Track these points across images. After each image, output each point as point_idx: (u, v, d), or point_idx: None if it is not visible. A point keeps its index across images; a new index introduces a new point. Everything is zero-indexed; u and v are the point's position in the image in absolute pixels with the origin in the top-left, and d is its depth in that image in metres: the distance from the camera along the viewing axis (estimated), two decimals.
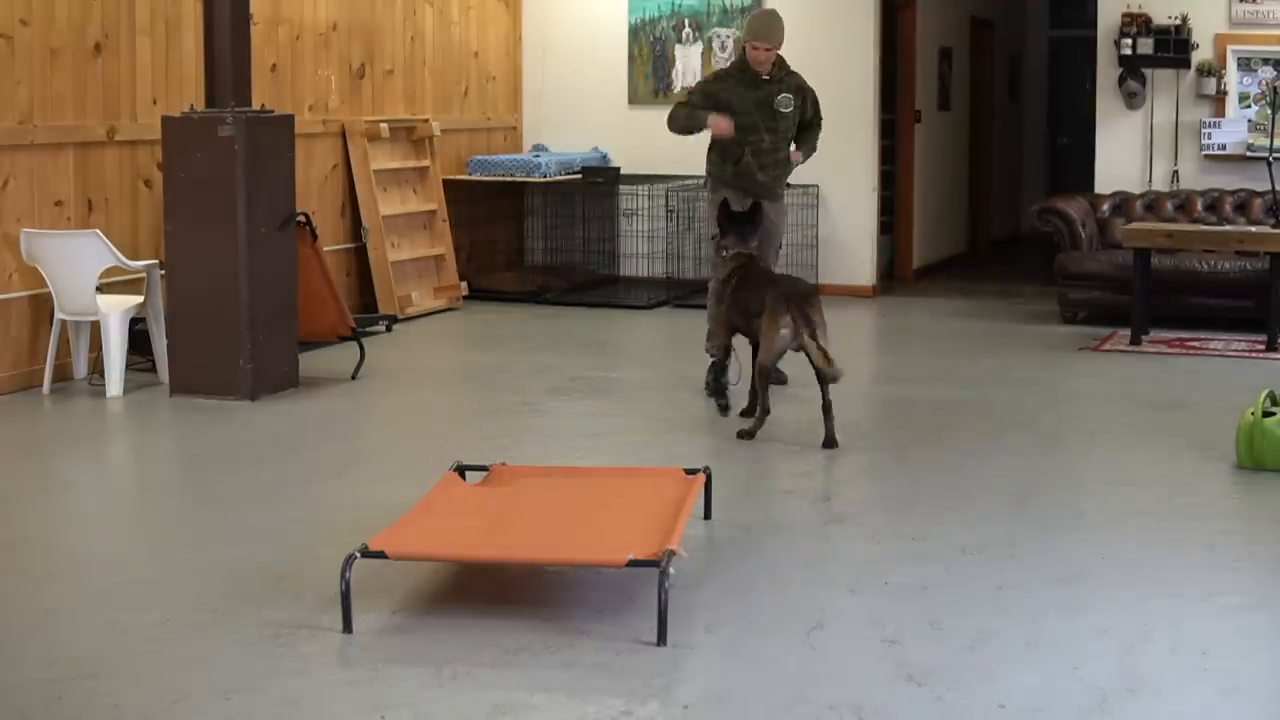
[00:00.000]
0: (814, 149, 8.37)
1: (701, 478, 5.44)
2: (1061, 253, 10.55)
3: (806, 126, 8.27)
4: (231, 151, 7.61)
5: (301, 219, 8.11)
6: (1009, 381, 8.45)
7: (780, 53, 8.04)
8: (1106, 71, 11.32)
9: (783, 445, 6.90)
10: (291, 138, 8.03)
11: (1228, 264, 9.97)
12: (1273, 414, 6.37)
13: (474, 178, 11.68)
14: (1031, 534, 5.46)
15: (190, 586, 4.90)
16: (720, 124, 7.87)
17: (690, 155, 11.81)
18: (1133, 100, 11.20)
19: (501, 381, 8.40)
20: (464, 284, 11.23)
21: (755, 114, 7.97)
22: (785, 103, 7.99)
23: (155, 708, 3.91)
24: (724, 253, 7.46)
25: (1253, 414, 6.36)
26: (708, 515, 5.54)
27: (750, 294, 7.15)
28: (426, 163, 11.13)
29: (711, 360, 7.80)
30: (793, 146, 8.24)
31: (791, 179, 11.53)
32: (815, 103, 8.26)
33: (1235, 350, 9.35)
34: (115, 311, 7.82)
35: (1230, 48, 10.96)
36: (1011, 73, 16.39)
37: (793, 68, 8.17)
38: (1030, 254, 14.54)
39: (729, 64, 8.51)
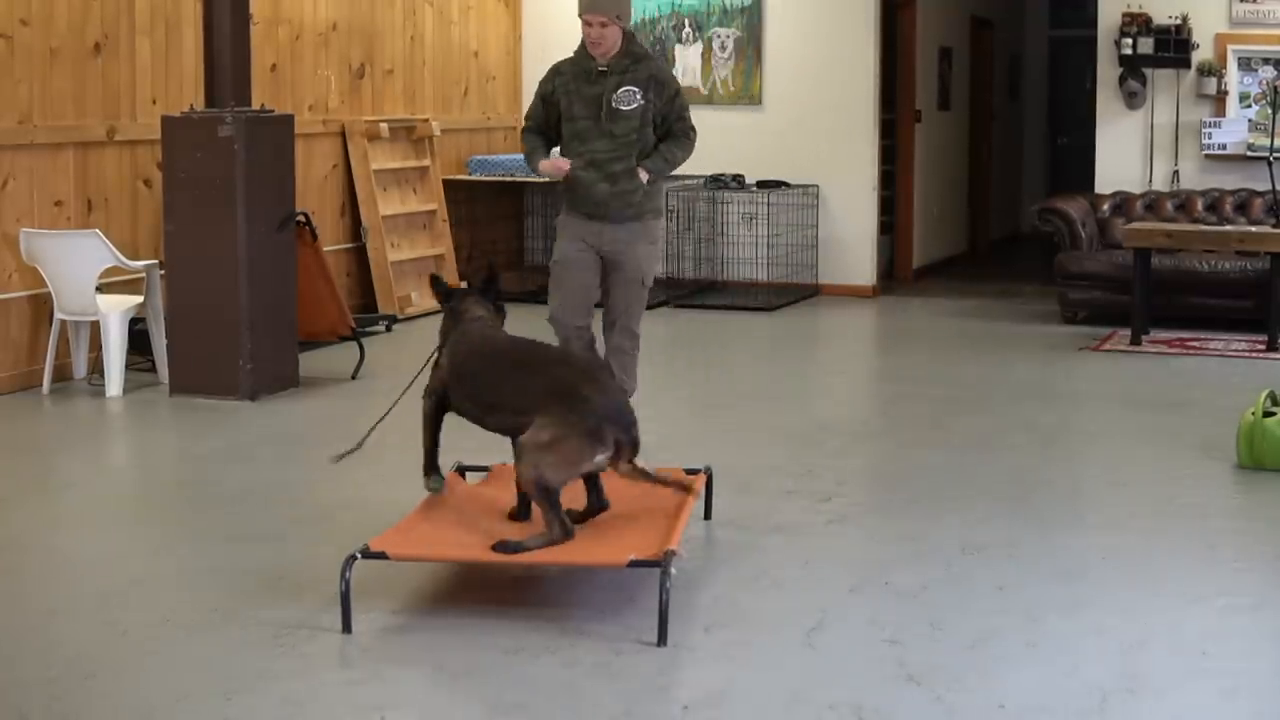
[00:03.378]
0: (670, 163, 6.54)
1: (702, 478, 5.44)
2: (1061, 253, 10.54)
3: (666, 134, 6.55)
4: (231, 151, 7.61)
5: (301, 219, 8.11)
6: (1009, 381, 8.45)
7: (631, 33, 6.57)
8: (1107, 71, 11.32)
9: (783, 445, 6.90)
10: (291, 137, 8.03)
11: (1228, 264, 9.97)
12: (1273, 414, 6.37)
13: (474, 178, 11.68)
14: (1031, 534, 5.45)
15: (190, 586, 4.89)
16: (547, 167, 6.48)
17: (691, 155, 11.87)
18: (1133, 100, 11.20)
19: None
20: (464, 284, 11.22)
21: (590, 116, 6.45)
22: (626, 98, 6.41)
23: (155, 708, 3.91)
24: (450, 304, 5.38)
25: (1253, 414, 6.36)
26: (708, 515, 5.53)
27: (500, 372, 5.00)
28: (426, 163, 11.13)
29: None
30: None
31: (791, 179, 11.74)
32: (674, 98, 6.54)
33: (1235, 350, 9.34)
34: (115, 311, 7.82)
35: (1230, 47, 10.96)
36: (1011, 73, 16.40)
37: (644, 51, 6.62)
38: (1030, 254, 14.54)
39: (574, 53, 6.65)
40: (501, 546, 4.63)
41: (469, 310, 5.27)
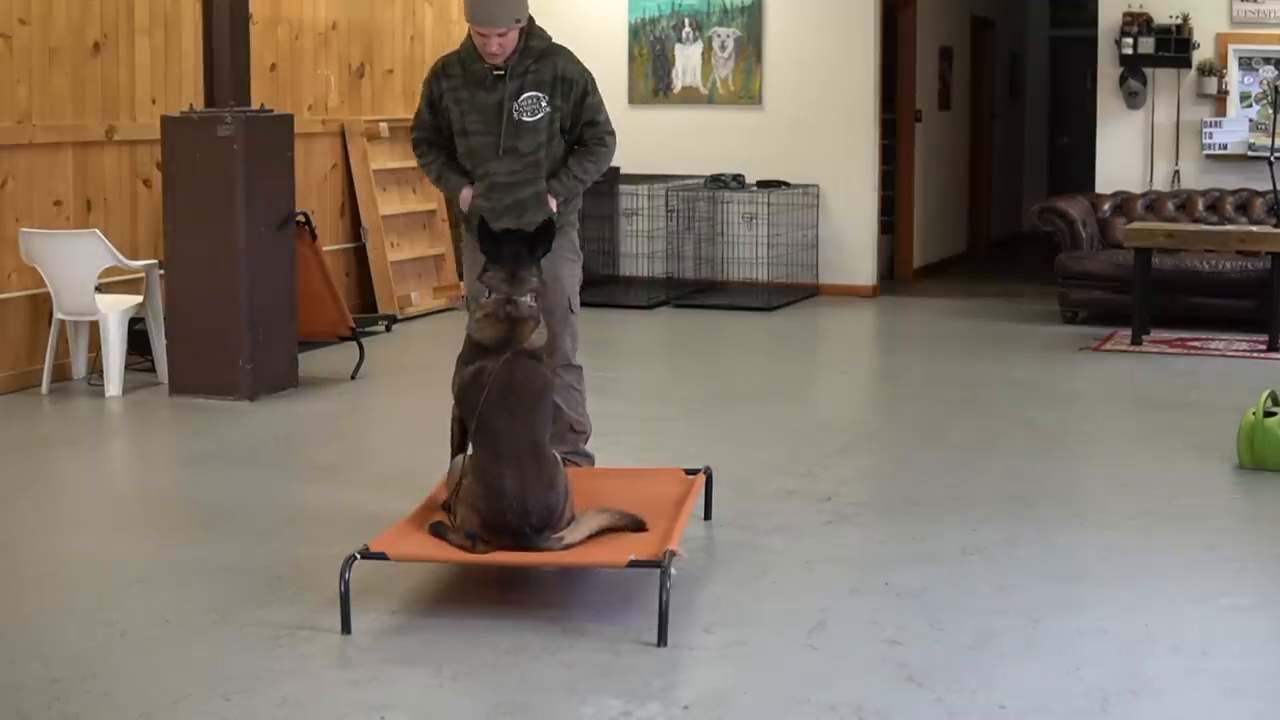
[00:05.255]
0: (581, 181, 5.56)
1: (701, 478, 5.44)
2: (1062, 252, 10.54)
3: (577, 140, 5.57)
4: (231, 151, 7.61)
5: (301, 219, 8.11)
6: (1009, 382, 8.45)
7: (531, 21, 5.43)
8: (1107, 71, 11.31)
9: (783, 445, 6.89)
10: (291, 137, 8.02)
11: (1229, 264, 9.96)
12: (1274, 414, 6.36)
13: None
14: (1032, 534, 5.45)
15: (190, 586, 4.89)
16: (465, 197, 5.58)
17: (691, 155, 11.88)
18: (1134, 100, 11.20)
19: None
20: (463, 284, 11.21)
21: (487, 131, 5.47)
22: (530, 106, 5.42)
23: (155, 708, 3.90)
24: (486, 293, 4.93)
25: (1254, 414, 6.36)
26: (708, 515, 5.53)
27: (486, 409, 4.69)
28: None
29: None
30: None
31: (791, 179, 11.74)
32: (584, 99, 5.52)
33: (1236, 350, 9.34)
34: (114, 311, 7.81)
35: (1231, 47, 10.95)
36: (1011, 72, 16.40)
37: (547, 43, 5.50)
38: (1030, 254, 14.54)
39: (460, 46, 5.57)
40: (431, 526, 4.75)
41: (527, 336, 4.85)
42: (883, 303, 11.68)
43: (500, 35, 5.30)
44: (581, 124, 5.53)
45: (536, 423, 4.75)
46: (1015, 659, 4.25)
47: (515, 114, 5.41)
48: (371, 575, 4.67)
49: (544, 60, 5.44)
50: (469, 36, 5.46)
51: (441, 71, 5.56)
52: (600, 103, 5.59)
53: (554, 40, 5.57)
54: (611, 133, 5.62)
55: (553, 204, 5.48)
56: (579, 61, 5.57)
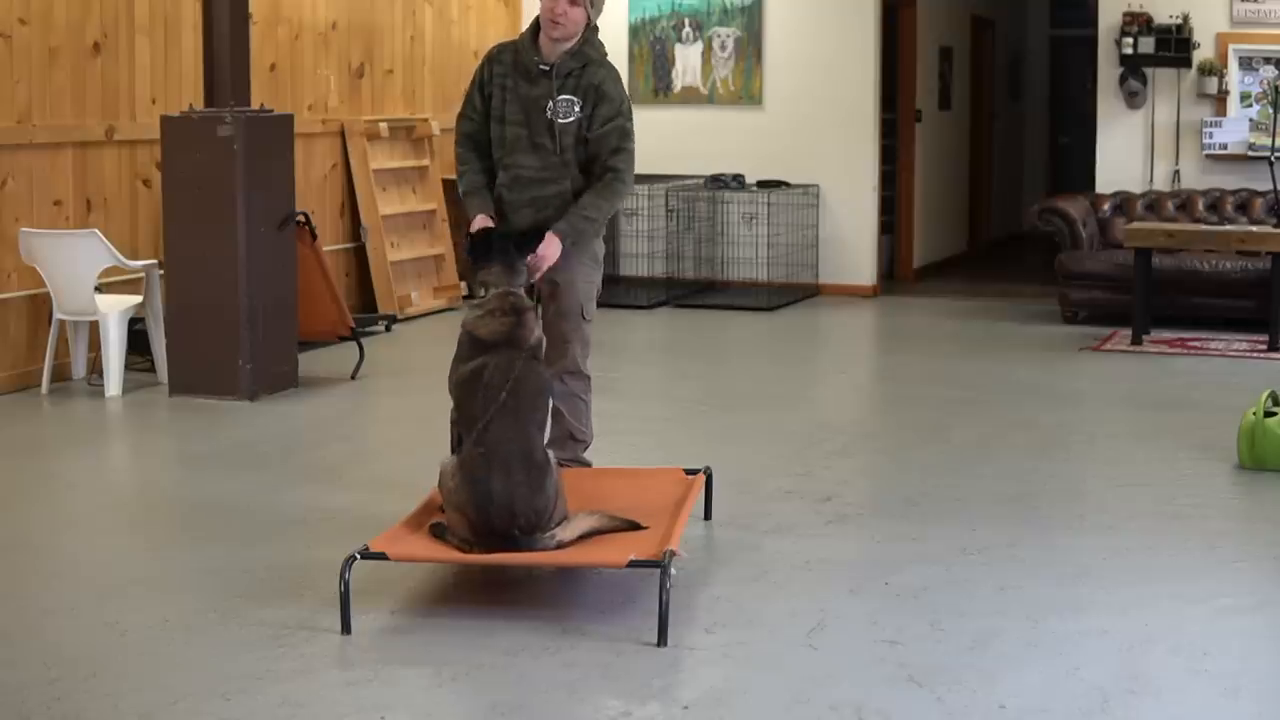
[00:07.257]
0: (594, 222, 5.42)
1: (701, 478, 5.44)
2: (1062, 252, 10.54)
3: (592, 159, 5.38)
4: (231, 151, 7.61)
5: (301, 219, 8.11)
6: (1009, 382, 8.44)
7: (594, 30, 5.49)
8: (1107, 71, 11.31)
9: (783, 445, 6.89)
10: (290, 137, 8.02)
11: (1229, 264, 9.96)
12: (1274, 414, 6.36)
13: None
14: (1032, 534, 5.45)
15: (190, 586, 4.89)
16: (476, 224, 5.34)
17: (691, 155, 11.88)
18: (1134, 100, 11.20)
19: None
20: (463, 284, 11.23)
21: (522, 123, 5.41)
22: (564, 108, 5.36)
23: (155, 708, 3.90)
24: (482, 291, 4.96)
25: (1254, 414, 6.36)
26: (708, 515, 5.53)
27: (481, 407, 4.71)
28: (426, 162, 11.13)
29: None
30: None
31: (791, 179, 11.74)
32: (611, 122, 5.38)
33: (1236, 350, 9.34)
34: (114, 311, 7.81)
35: (1232, 47, 10.95)
36: (1012, 72, 16.40)
37: (600, 56, 5.48)
38: (1031, 254, 14.54)
39: (519, 37, 5.57)
40: (431, 527, 4.78)
41: (531, 332, 4.88)
42: (883, 303, 11.68)
43: (572, 2, 5.30)
44: (603, 152, 5.38)
45: (531, 423, 4.75)
46: (1015, 659, 4.25)
47: (550, 113, 5.37)
48: (371, 575, 4.68)
49: (589, 69, 5.40)
50: (528, 30, 5.48)
51: (495, 57, 5.53)
52: (628, 136, 5.43)
53: (605, 57, 5.53)
54: (629, 171, 5.45)
55: (555, 247, 5.23)
56: (622, 87, 5.52)
